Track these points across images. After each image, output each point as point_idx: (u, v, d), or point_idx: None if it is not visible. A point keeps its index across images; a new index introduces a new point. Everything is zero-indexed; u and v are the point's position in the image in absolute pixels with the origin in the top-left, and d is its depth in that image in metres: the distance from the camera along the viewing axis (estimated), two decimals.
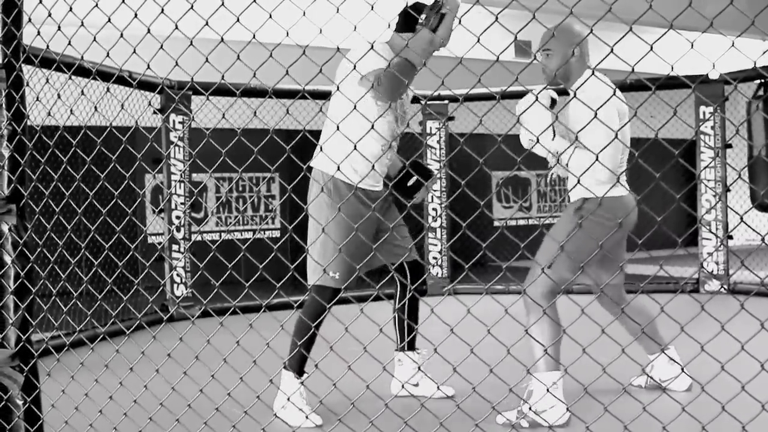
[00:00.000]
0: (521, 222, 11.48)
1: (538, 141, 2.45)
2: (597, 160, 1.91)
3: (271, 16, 2.52)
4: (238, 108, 8.28)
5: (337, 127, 2.06)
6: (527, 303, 3.47)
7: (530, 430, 3.33)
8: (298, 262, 2.32)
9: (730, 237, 7.60)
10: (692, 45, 2.03)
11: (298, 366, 3.50)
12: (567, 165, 3.35)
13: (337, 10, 2.55)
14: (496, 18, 2.30)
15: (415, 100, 7.33)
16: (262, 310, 2.22)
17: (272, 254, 2.45)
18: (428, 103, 7.98)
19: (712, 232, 7.52)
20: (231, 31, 2.45)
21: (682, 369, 2.85)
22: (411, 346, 3.89)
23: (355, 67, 1.97)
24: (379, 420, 2.66)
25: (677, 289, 7.78)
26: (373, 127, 1.85)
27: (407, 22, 3.59)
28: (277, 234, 9.78)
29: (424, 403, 2.58)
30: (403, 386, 3.91)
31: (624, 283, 3.88)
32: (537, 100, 2.40)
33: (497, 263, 10.73)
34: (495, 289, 7.98)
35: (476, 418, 2.32)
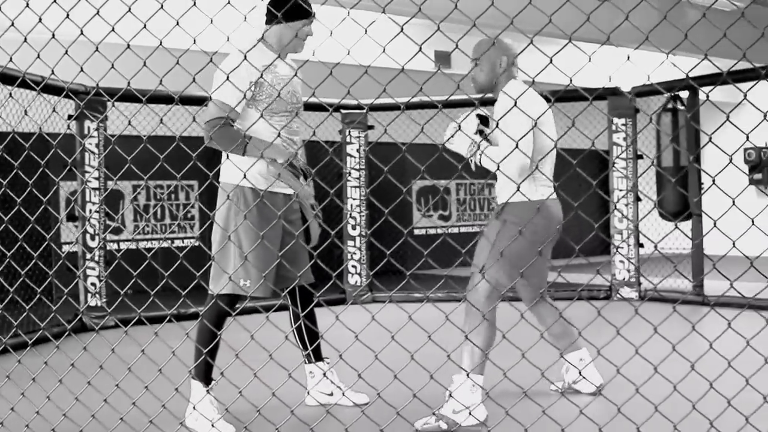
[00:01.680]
0: (441, 230, 11.59)
1: (472, 158, 2.50)
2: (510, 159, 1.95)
3: (178, 23, 2.51)
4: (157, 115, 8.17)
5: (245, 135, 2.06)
6: (468, 307, 3.55)
7: None
8: (203, 270, 2.31)
9: (641, 245, 7.81)
10: (589, 56, 2.09)
11: (204, 374, 3.46)
12: (497, 168, 3.44)
13: (245, 18, 2.56)
14: (401, 29, 2.34)
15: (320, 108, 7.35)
16: (167, 319, 2.21)
17: (177, 263, 2.44)
18: (347, 112, 8.02)
19: (625, 240, 7.73)
20: (149, 38, 2.43)
21: (579, 372, 2.91)
22: (318, 357, 3.88)
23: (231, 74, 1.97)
24: (286, 428, 2.66)
25: (590, 296, 7.99)
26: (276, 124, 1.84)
27: (271, 14, 3.62)
28: (195, 243, 9.67)
29: (329, 410, 2.59)
30: (308, 394, 3.90)
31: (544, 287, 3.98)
32: (460, 128, 2.44)
33: (417, 272, 10.81)
34: (413, 297, 8.03)
35: (383, 423, 2.34)
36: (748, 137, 2.38)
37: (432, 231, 11.58)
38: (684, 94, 7.66)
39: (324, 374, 2.68)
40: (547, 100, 3.65)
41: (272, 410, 2.98)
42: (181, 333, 2.64)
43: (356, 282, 8.12)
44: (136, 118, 8.04)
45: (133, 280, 2.40)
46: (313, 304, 3.63)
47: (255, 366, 2.27)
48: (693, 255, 7.48)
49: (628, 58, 2.17)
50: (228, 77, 2.51)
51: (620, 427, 2.68)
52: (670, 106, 7.44)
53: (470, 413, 3.34)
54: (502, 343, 2.38)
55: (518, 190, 2.36)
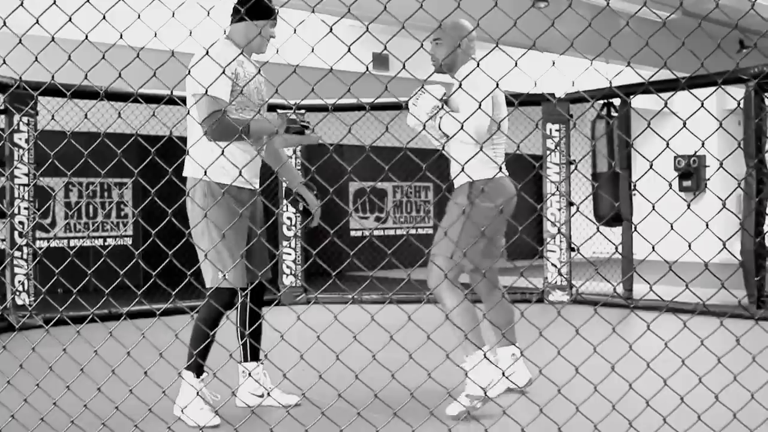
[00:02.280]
0: (377, 232, 11.62)
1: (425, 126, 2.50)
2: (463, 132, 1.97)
3: (105, 18, 2.48)
4: (97, 111, 8.03)
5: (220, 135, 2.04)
6: (437, 295, 3.59)
7: (481, 409, 3.41)
8: (127, 269, 2.28)
9: (574, 249, 7.94)
10: (515, 61, 2.12)
11: (195, 366, 3.52)
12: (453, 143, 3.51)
13: (173, 14, 2.54)
14: (331, 29, 2.34)
15: (272, 109, 7.33)
16: (89, 319, 2.17)
17: (101, 260, 2.40)
18: (284, 112, 7.99)
19: (557, 245, 7.85)
20: (79, 33, 2.39)
21: (503, 373, 2.93)
22: (255, 357, 3.88)
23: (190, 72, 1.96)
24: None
25: (523, 299, 8.10)
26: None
27: (233, 12, 3.69)
28: (128, 241, 9.52)
29: (254, 411, 2.58)
30: (235, 395, 3.89)
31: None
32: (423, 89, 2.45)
33: (354, 273, 10.82)
34: (348, 299, 8.03)
35: (308, 424, 2.34)
36: (668, 144, 2.44)
37: (368, 233, 11.60)
38: (617, 102, 7.81)
39: (249, 374, 2.73)
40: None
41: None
42: (121, 332, 2.59)
43: (291, 283, 8.09)
44: (71, 113, 7.88)
45: (54, 279, 2.36)
46: (263, 295, 3.69)
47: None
48: (622, 259, 7.63)
49: (553, 63, 2.20)
50: (223, 71, 2.48)
51: (543, 426, 2.72)
52: (603, 113, 7.58)
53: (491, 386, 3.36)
54: (428, 344, 2.40)
55: (463, 169, 2.37)
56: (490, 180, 3.64)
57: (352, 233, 11.47)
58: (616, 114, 7.58)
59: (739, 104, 2.41)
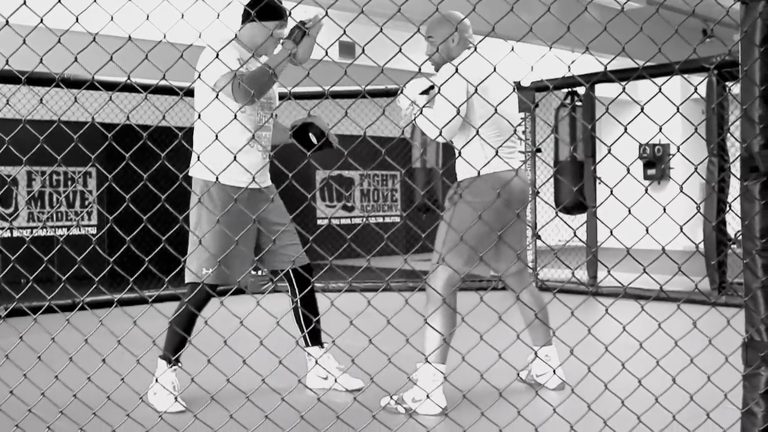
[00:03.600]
0: (344, 221, 11.61)
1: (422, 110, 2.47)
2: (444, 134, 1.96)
3: (60, 2, 2.44)
4: (52, 97, 7.92)
5: (216, 136, 2.02)
6: (428, 293, 3.57)
7: (405, 417, 3.39)
8: (82, 256, 2.26)
9: (539, 237, 7.98)
10: (474, 46, 2.12)
11: (172, 356, 3.65)
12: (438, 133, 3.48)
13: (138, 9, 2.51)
14: (289, 14, 2.33)
15: None
16: (43, 309, 2.14)
17: (56, 248, 2.37)
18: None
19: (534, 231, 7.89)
20: (33, 17, 2.35)
21: (554, 371, 2.90)
22: (316, 341, 3.99)
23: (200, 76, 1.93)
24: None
25: (492, 287, 8.13)
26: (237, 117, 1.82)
27: (245, 13, 3.78)
28: (93, 230, 9.43)
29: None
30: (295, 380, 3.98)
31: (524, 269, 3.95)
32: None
33: (321, 262, 10.80)
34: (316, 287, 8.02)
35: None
36: (626, 130, 2.46)
37: (335, 221, 11.59)
38: (582, 91, 7.86)
39: (316, 361, 2.96)
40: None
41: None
42: (83, 321, 2.57)
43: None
44: (23, 101, 7.77)
45: (9, 267, 2.33)
46: (312, 280, 3.89)
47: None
48: (587, 247, 7.69)
49: (512, 49, 2.21)
50: (217, 55, 2.46)
51: (504, 410, 2.74)
52: (567, 102, 7.62)
53: (430, 400, 3.32)
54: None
55: (460, 154, 2.37)
56: (486, 175, 3.48)
57: (319, 222, 11.46)
58: (580, 103, 7.63)
59: (695, 90, 2.43)
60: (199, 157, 3.50)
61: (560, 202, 7.47)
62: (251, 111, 3.71)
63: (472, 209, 3.48)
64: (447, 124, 2.60)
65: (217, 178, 3.10)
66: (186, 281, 3.71)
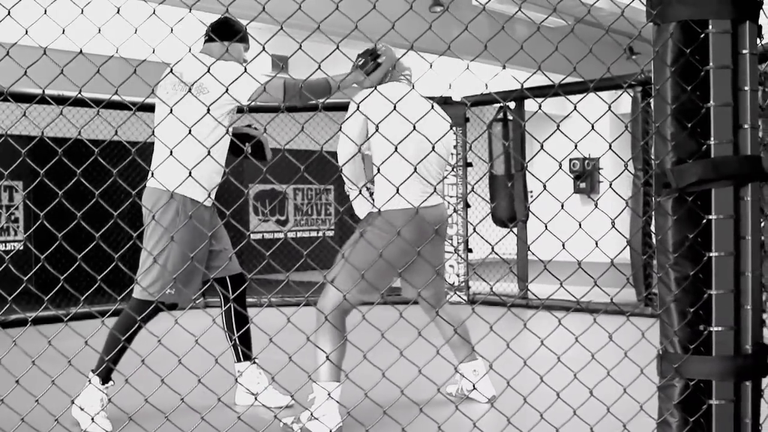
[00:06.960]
0: (278, 235, 11.54)
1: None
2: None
3: (9, 13, 2.39)
4: (3, 111, 7.72)
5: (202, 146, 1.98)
6: (317, 315, 3.57)
7: None
8: (30, 274, 2.20)
9: (470, 250, 8.06)
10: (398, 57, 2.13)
11: (105, 372, 3.60)
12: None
13: (82, 11, 2.46)
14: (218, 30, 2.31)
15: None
16: None
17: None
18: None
19: (453, 246, 7.95)
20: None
21: (474, 385, 2.94)
22: (247, 357, 3.99)
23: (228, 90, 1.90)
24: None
25: (409, 301, 8.15)
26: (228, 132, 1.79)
27: (221, 31, 3.86)
28: (19, 246, 9.21)
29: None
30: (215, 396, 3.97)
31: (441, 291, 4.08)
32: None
33: (257, 277, 10.71)
34: (249, 302, 7.95)
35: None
36: (542, 146, 2.50)
37: (269, 236, 11.52)
38: (513, 105, 7.97)
39: (236, 380, 2.99)
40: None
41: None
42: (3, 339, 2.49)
43: None
44: None
45: None
46: (245, 286, 3.79)
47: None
48: (518, 260, 7.78)
49: (431, 66, 2.23)
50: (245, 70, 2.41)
51: (422, 424, 2.75)
52: (500, 116, 7.72)
53: (319, 420, 3.37)
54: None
55: (360, 192, 2.39)
56: (390, 210, 3.53)
57: (254, 236, 11.38)
58: (511, 118, 7.74)
59: (608, 108, 2.48)
60: (157, 170, 3.49)
61: (496, 216, 7.55)
62: (217, 135, 3.61)
63: (378, 240, 3.52)
64: (345, 156, 2.66)
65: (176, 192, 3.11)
66: (138, 298, 3.65)
